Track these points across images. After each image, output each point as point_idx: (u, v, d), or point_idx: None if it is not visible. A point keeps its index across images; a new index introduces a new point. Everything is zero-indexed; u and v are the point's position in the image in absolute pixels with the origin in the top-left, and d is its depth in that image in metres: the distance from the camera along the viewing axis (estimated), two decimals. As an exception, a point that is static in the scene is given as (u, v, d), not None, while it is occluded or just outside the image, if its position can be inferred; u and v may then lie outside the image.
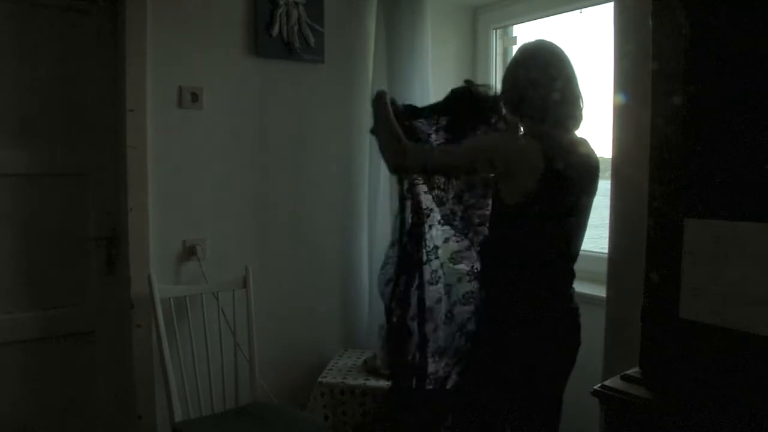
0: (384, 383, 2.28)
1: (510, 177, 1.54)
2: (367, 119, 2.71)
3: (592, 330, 1.97)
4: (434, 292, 1.75)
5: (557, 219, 1.58)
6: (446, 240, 1.75)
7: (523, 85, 1.59)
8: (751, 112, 1.07)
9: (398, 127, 1.66)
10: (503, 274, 1.61)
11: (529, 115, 1.60)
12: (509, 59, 2.85)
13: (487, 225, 1.69)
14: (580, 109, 1.62)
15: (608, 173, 1.86)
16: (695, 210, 1.14)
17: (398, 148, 1.64)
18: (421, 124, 1.74)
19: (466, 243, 1.72)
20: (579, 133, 1.65)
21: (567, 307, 1.64)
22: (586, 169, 1.61)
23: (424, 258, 1.73)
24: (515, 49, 2.84)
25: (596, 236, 2.79)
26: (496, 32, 2.86)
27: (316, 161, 2.64)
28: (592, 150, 1.66)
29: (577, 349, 1.66)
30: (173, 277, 2.35)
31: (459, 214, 1.73)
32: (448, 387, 1.76)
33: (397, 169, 1.71)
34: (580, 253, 2.56)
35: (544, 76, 1.59)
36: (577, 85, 1.62)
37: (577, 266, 2.44)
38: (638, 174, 1.44)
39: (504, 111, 1.67)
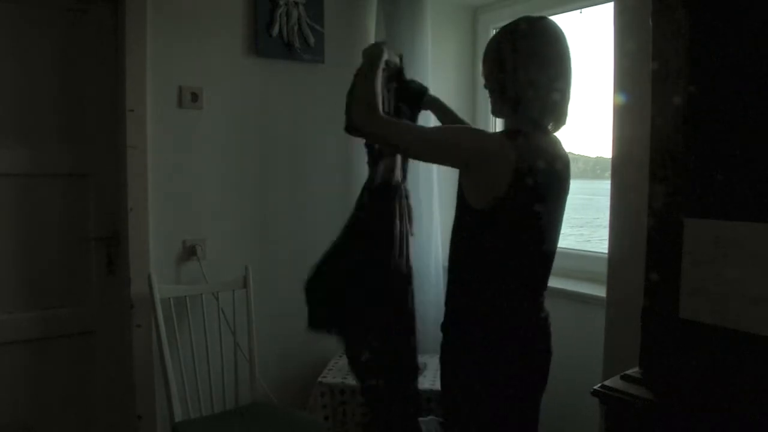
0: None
1: (478, 178, 1.40)
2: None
3: (592, 330, 1.97)
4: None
5: (529, 224, 1.44)
6: None
7: (530, 84, 1.42)
8: (751, 112, 1.07)
9: (379, 91, 1.50)
10: (471, 285, 1.48)
11: (522, 113, 1.44)
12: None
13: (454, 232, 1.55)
14: (568, 109, 1.49)
15: (608, 173, 1.86)
16: (695, 210, 1.14)
17: (367, 110, 1.46)
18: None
19: None
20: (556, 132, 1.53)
21: (537, 317, 1.52)
22: (559, 170, 1.48)
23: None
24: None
25: (596, 236, 2.79)
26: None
27: (316, 161, 2.64)
28: (564, 149, 1.53)
29: (549, 359, 1.57)
30: (173, 277, 2.35)
31: None
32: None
33: (356, 129, 1.51)
34: (581, 253, 2.58)
35: (554, 75, 1.43)
36: (571, 82, 1.48)
37: (578, 266, 2.46)
38: (638, 174, 1.44)
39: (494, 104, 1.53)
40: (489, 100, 1.56)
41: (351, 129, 1.53)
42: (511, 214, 1.40)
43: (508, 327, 1.47)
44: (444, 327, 1.55)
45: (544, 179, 1.42)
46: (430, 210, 2.66)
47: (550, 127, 1.49)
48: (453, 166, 1.49)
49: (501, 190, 1.36)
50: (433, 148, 1.48)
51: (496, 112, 1.54)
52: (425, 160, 1.67)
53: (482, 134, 1.49)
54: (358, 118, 1.48)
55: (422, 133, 1.49)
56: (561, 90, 1.45)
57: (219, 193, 2.43)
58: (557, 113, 1.47)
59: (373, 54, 1.56)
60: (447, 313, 1.55)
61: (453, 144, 1.44)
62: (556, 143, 1.51)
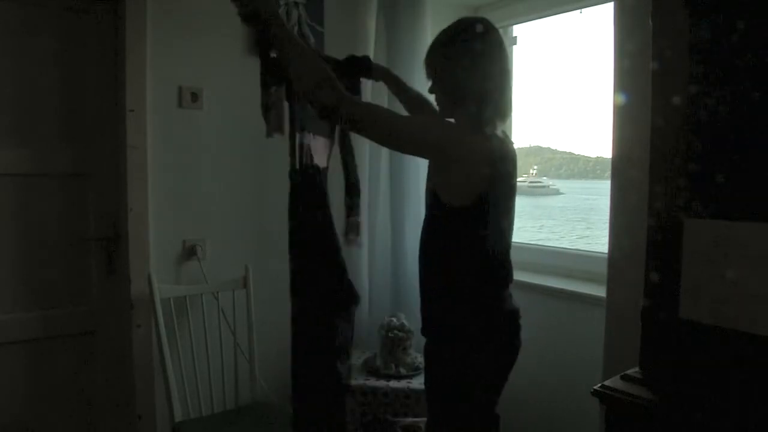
0: (384, 383, 2.29)
1: (459, 174, 1.41)
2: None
3: (592, 330, 1.97)
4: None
5: (499, 221, 1.49)
6: None
7: (481, 83, 1.45)
8: (751, 112, 1.07)
9: (324, 63, 1.41)
10: (450, 285, 1.50)
11: (474, 112, 1.45)
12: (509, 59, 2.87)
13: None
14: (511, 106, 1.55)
15: (608, 173, 1.86)
16: (695, 210, 1.14)
17: (328, 88, 1.37)
18: None
19: None
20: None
21: (504, 310, 1.54)
22: (515, 166, 1.55)
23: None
24: (515, 49, 2.85)
25: (596, 236, 2.78)
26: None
27: (316, 161, 2.64)
28: (512, 145, 1.58)
29: (517, 351, 1.57)
30: (173, 277, 2.35)
31: None
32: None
33: (327, 115, 1.41)
34: (580, 253, 2.58)
35: (501, 74, 1.48)
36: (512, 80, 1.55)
37: (578, 266, 2.45)
38: (638, 174, 1.44)
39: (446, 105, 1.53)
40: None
41: (321, 116, 1.43)
42: (491, 208, 1.44)
43: (488, 322, 1.50)
44: (425, 330, 1.57)
45: (510, 174, 1.51)
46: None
47: (497, 124, 1.51)
48: (434, 160, 1.48)
49: (483, 185, 1.41)
50: (417, 143, 1.45)
51: (446, 114, 1.54)
52: (404, 153, 1.63)
53: (463, 129, 1.48)
54: (326, 99, 1.36)
55: (403, 124, 1.46)
56: (507, 88, 1.50)
57: (219, 193, 2.43)
58: (504, 110, 1.51)
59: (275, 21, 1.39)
60: (427, 315, 1.57)
61: (437, 138, 1.43)
62: (508, 139, 1.57)
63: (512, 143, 1.57)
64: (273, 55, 1.46)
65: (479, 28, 1.47)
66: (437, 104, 1.56)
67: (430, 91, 1.55)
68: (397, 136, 1.45)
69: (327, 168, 1.68)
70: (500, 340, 1.52)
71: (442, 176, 1.45)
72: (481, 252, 1.47)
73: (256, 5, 1.38)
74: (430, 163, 1.51)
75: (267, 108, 1.54)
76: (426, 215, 1.54)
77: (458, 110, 1.49)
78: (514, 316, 1.56)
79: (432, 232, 1.52)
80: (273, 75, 1.50)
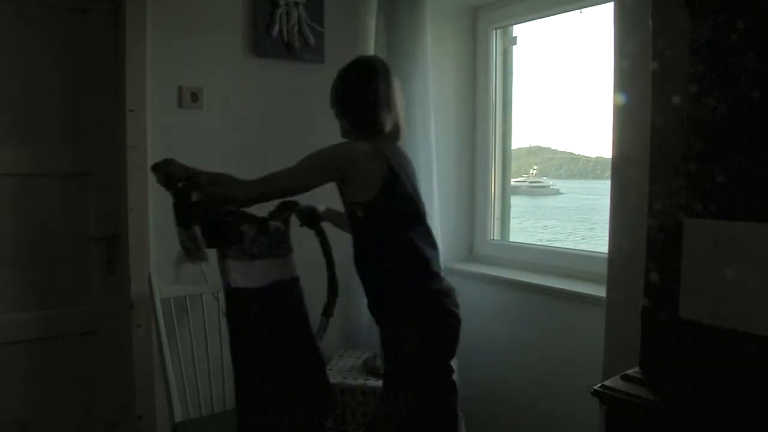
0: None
1: (362, 177, 1.69)
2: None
3: (592, 330, 1.97)
4: None
5: (407, 210, 1.75)
6: None
7: (385, 106, 1.78)
8: (751, 112, 1.07)
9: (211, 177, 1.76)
10: (378, 273, 1.77)
11: (369, 129, 1.77)
12: (509, 59, 2.87)
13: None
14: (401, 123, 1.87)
15: (608, 173, 1.86)
16: (695, 210, 1.14)
17: (234, 189, 1.77)
18: None
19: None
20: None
21: (435, 289, 1.74)
22: (408, 161, 1.85)
23: None
24: (515, 49, 2.85)
25: (596, 236, 2.78)
26: (496, 32, 2.86)
27: (316, 161, 2.63)
28: (407, 154, 1.91)
29: (458, 330, 1.76)
30: (173, 277, 2.35)
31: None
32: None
33: (244, 205, 1.81)
34: (580, 253, 2.57)
35: (393, 97, 1.80)
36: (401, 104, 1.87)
37: (578, 266, 2.45)
38: (638, 174, 1.44)
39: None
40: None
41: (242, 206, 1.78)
42: (396, 197, 1.71)
43: (422, 303, 1.73)
44: (377, 321, 1.82)
45: (405, 171, 1.78)
46: (430, 209, 2.66)
47: (391, 138, 1.83)
48: (335, 179, 1.73)
49: (382, 179, 1.68)
50: (314, 172, 1.73)
51: (347, 134, 1.85)
52: (308, 189, 1.81)
53: (350, 143, 1.80)
54: (237, 198, 1.77)
55: (295, 170, 1.73)
56: (394, 111, 1.81)
57: (219, 193, 2.42)
58: (396, 130, 1.83)
59: (169, 175, 1.76)
60: (371, 307, 1.82)
61: (330, 159, 1.73)
62: (403, 150, 1.88)
63: (408, 154, 1.89)
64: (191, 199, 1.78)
65: (371, 66, 1.82)
66: (341, 126, 1.87)
67: (336, 115, 1.87)
68: (301, 183, 1.74)
69: (296, 278, 1.90)
70: (438, 316, 1.73)
71: (349, 181, 1.71)
72: (400, 239, 1.72)
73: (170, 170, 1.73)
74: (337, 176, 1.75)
75: (188, 240, 1.81)
76: (352, 223, 1.78)
77: (358, 131, 1.80)
78: (448, 293, 1.76)
79: (359, 231, 1.77)
80: (189, 216, 1.81)
